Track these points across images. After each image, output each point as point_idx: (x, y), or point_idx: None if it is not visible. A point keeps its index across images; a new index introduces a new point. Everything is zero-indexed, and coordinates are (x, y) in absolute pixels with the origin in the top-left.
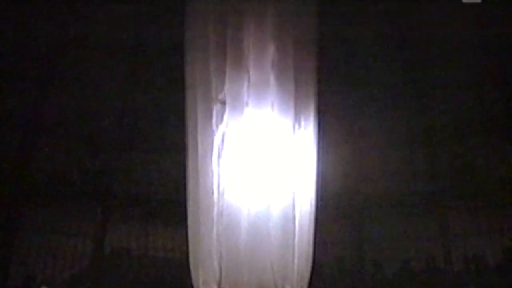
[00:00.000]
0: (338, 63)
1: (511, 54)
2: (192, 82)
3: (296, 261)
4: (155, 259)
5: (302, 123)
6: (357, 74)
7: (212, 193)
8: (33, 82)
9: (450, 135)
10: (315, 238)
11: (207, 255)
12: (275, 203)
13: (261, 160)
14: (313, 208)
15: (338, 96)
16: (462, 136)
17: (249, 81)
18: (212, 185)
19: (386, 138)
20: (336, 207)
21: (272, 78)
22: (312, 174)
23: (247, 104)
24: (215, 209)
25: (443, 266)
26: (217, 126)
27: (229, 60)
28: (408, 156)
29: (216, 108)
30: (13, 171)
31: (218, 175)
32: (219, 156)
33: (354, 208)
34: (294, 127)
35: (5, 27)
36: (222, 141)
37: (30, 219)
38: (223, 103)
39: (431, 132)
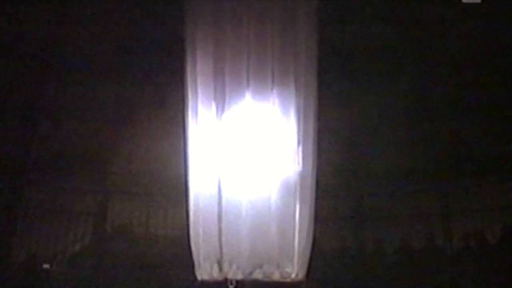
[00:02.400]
0: (338, 53)
1: (511, 54)
2: (193, 74)
3: (297, 238)
4: (156, 237)
5: (302, 110)
6: (356, 63)
7: (213, 171)
8: (33, 67)
9: (450, 112)
10: (315, 215)
11: (207, 232)
12: (276, 181)
13: (261, 138)
14: (314, 186)
15: (337, 78)
16: (462, 113)
17: (248, 73)
18: (213, 163)
19: (386, 116)
20: (336, 185)
21: (271, 73)
22: (312, 152)
23: (247, 98)
24: (216, 187)
25: (442, 243)
26: (217, 114)
27: (229, 58)
28: (407, 134)
29: (216, 101)
30: (14, 149)
31: (220, 154)
32: (220, 136)
33: (354, 186)
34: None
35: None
36: (223, 124)
37: (31, 197)
38: (224, 96)
39: (431, 110)
